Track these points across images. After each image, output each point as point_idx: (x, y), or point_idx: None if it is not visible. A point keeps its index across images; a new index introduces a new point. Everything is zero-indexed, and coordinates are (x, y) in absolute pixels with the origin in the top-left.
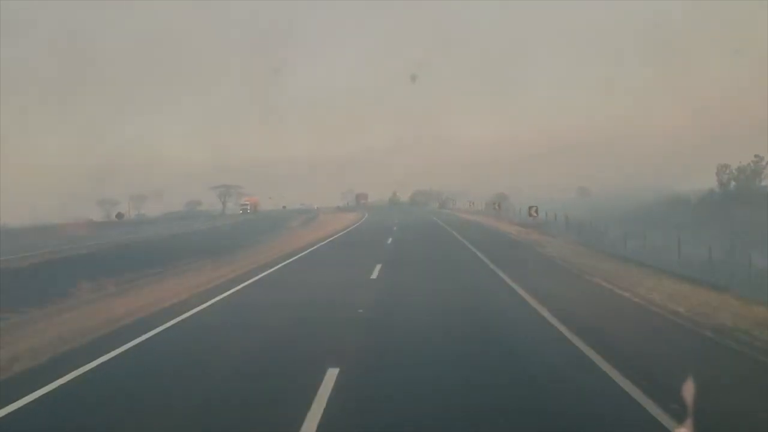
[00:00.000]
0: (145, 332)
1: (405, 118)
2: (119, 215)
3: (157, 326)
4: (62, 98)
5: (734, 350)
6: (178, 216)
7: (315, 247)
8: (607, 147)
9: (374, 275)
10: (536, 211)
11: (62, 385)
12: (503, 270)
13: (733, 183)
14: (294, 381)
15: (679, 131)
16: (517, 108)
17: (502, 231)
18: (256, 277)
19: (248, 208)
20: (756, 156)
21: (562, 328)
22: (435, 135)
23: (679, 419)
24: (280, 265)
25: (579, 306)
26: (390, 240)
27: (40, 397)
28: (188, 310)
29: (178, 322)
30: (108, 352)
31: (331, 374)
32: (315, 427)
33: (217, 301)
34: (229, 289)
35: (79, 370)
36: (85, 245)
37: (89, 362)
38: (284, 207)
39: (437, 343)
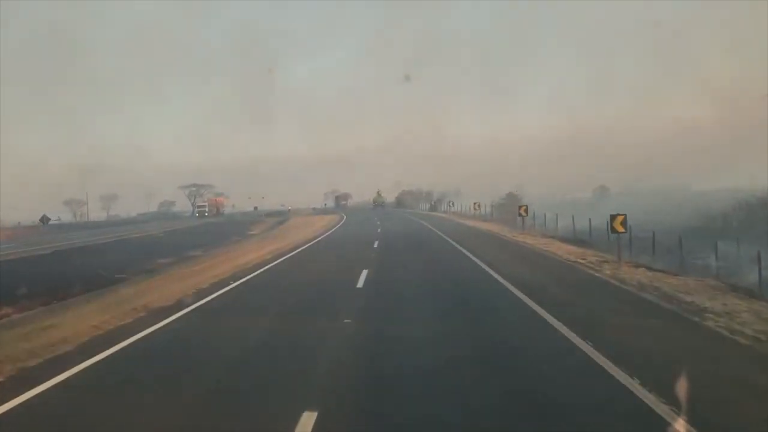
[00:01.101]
0: None
1: (397, 119)
2: (44, 219)
3: None
4: (46, 94)
5: None
6: (150, 216)
7: (236, 283)
8: (611, 146)
9: None
10: (624, 224)
11: None
12: None
13: None
14: None
15: (683, 131)
16: (516, 107)
17: (563, 259)
18: None
19: (206, 210)
20: None
21: None
22: (427, 135)
23: None
24: (81, 367)
25: None
26: (363, 278)
27: None
28: None
29: None
30: None
31: None
32: None
33: None
34: None
35: None
36: None
37: None
38: (255, 208)
39: None
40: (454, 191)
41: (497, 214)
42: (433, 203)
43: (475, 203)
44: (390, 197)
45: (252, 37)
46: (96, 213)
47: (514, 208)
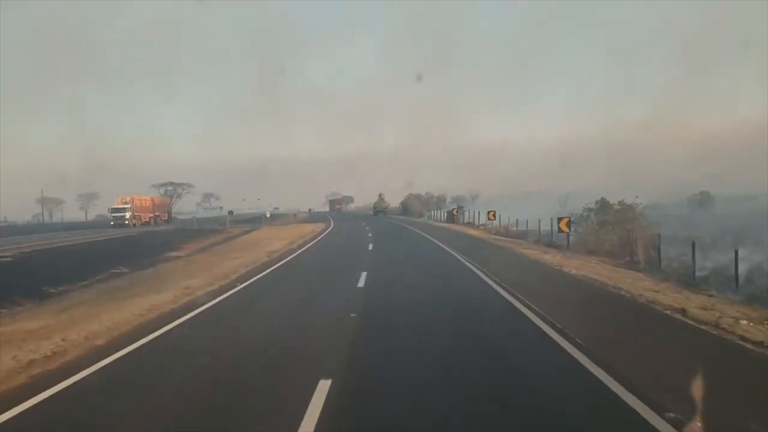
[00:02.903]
0: None
1: (409, 120)
2: None
3: None
4: (46, 89)
5: None
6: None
7: None
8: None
9: None
10: None
11: None
12: None
13: None
14: None
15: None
16: (544, 109)
17: None
18: None
19: (126, 217)
20: None
21: None
22: (440, 138)
23: None
24: None
25: None
26: None
27: None
28: None
29: None
30: None
31: None
32: None
33: None
34: None
35: None
36: None
37: None
38: (231, 212)
39: None
40: (470, 196)
41: (574, 236)
42: (453, 212)
43: (561, 220)
44: (396, 201)
45: (260, 38)
46: (75, 213)
47: (620, 226)
